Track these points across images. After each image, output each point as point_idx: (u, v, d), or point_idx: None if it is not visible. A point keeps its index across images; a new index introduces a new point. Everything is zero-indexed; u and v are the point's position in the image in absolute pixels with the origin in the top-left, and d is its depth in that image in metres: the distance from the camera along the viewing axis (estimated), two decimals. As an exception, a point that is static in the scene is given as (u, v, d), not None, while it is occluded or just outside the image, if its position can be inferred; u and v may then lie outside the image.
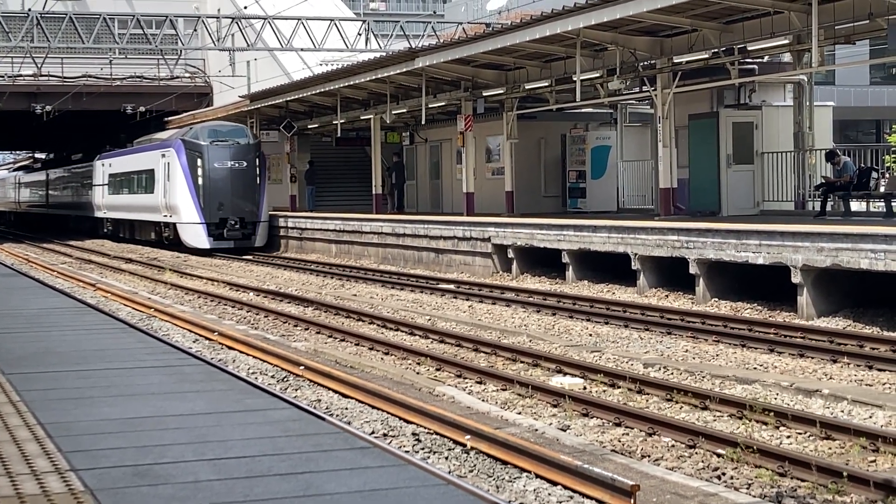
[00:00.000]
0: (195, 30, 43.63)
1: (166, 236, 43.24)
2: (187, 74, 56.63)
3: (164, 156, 42.57)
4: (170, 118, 54.14)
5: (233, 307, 23.76)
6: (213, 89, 57.17)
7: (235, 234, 40.42)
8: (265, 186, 41.56)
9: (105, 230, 55.03)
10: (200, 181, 40.29)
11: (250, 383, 11.89)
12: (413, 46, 34.19)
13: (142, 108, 52.98)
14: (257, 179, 41.11)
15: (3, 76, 49.40)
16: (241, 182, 40.64)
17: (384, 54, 36.16)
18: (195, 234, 40.57)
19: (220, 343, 17.76)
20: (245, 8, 50.04)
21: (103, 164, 54.34)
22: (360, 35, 43.19)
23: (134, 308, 23.01)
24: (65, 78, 52.25)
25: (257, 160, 41.29)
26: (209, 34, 41.81)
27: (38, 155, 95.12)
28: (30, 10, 40.51)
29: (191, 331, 19.29)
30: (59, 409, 9.16)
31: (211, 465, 7.24)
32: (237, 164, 40.51)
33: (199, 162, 40.32)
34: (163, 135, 48.14)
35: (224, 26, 41.68)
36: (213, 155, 40.35)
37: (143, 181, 45.71)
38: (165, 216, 42.71)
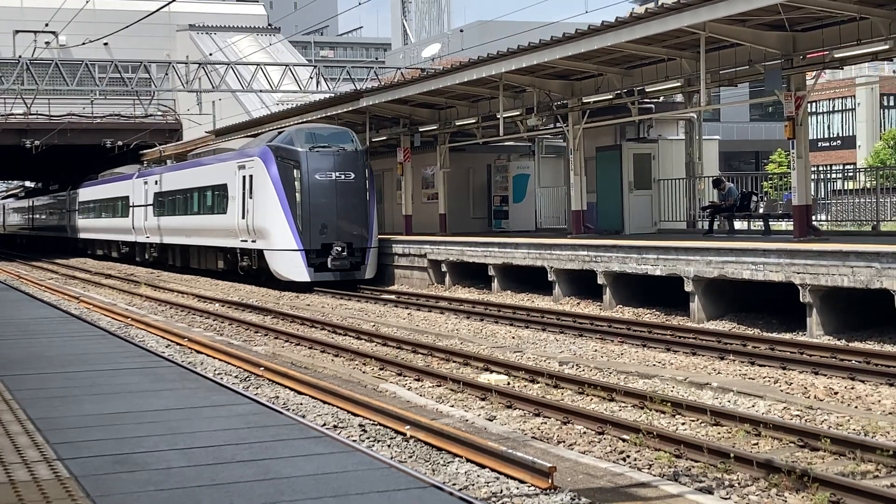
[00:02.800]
0: (166, 74, 43.28)
1: (246, 266, 31.78)
2: (159, 113, 56.27)
3: (242, 167, 31.20)
4: (143, 150, 53.67)
5: (201, 316, 23.55)
6: (182, 125, 56.82)
7: (342, 263, 28.89)
8: (375, 204, 30.44)
9: (147, 256, 43.43)
10: (298, 198, 28.88)
11: (216, 382, 11.78)
12: (358, 88, 34.14)
13: (120, 143, 52.57)
14: (367, 195, 29.77)
15: (-4, 115, 48.87)
16: (348, 199, 29.29)
17: (333, 95, 36.09)
18: (291, 263, 29.00)
19: (189, 348, 17.60)
20: (210, 55, 49.88)
21: (146, 183, 43.10)
22: (311, 78, 43.09)
23: (113, 318, 22.74)
24: (51, 116, 51.75)
25: (366, 171, 30.04)
26: (179, 77, 41.51)
27: (27, 184, 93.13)
28: (20, 56, 40.11)
29: (164, 337, 19.10)
30: (47, 406, 9.03)
31: (182, 454, 7.17)
32: (343, 176, 29.27)
33: (295, 173, 29.02)
34: (232, 144, 37.50)
35: (192, 70, 41.38)
36: (314, 165, 29.02)
37: (211, 199, 34.49)
38: (245, 241, 31.14)
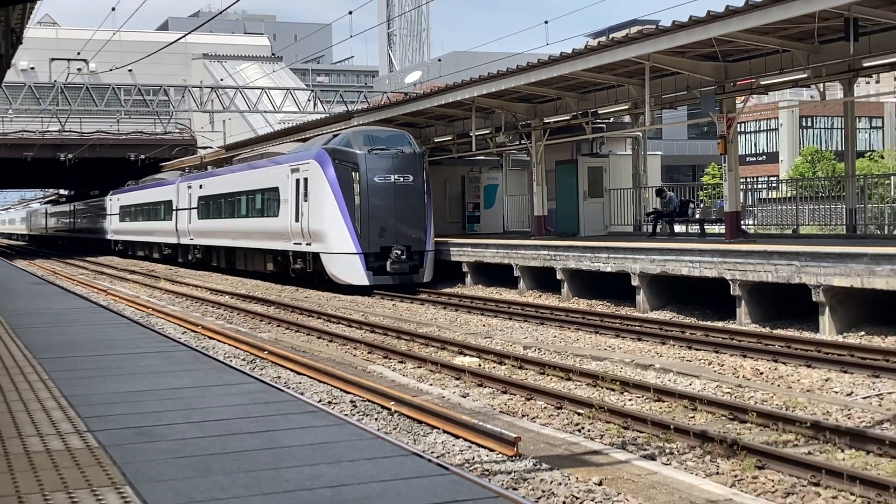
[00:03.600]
0: (183, 96, 43.11)
1: (299, 269, 27.89)
2: (177, 130, 56.05)
3: (295, 170, 27.42)
4: (163, 163, 53.41)
5: (213, 307, 23.46)
6: (196, 141, 56.63)
7: (401, 266, 25.25)
8: (432, 207, 26.72)
9: (191, 258, 39.58)
10: (357, 201, 25.27)
11: (226, 364, 11.72)
12: (350, 110, 34.05)
13: (142, 156, 52.36)
14: (424, 198, 26.07)
15: (34, 132, 48.63)
16: (406, 201, 25.69)
17: (328, 115, 35.99)
18: (349, 267, 25.39)
19: (203, 334, 17.53)
20: (221, 80, 49.74)
21: (189, 187, 39.40)
22: (309, 101, 42.95)
23: (136, 308, 22.63)
24: (82, 133, 51.52)
25: (424, 174, 26.37)
26: (194, 100, 41.32)
27: (61, 192, 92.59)
28: (55, 81, 39.91)
29: (180, 325, 19.02)
30: (78, 384, 8.97)
31: (196, 427, 7.13)
32: (402, 179, 25.65)
33: (354, 176, 25.35)
34: (281, 148, 33.20)
35: (205, 94, 41.19)
36: (373, 167, 25.38)
37: (260, 202, 30.75)
38: (298, 244, 27.33)
